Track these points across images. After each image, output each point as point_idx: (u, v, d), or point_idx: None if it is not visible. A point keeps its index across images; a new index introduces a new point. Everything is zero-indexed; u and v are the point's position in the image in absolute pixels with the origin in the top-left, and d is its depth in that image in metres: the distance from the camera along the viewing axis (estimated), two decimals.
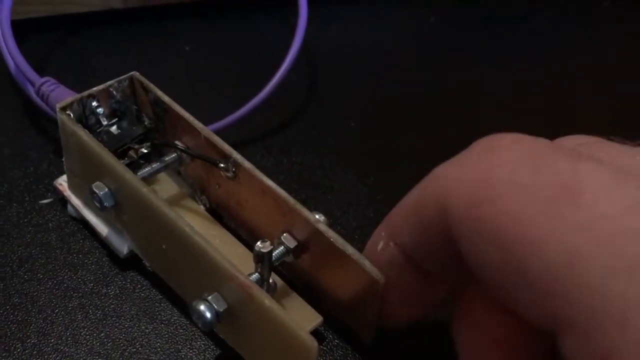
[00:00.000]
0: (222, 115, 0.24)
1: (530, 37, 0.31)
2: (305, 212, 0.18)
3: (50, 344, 0.19)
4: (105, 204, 0.19)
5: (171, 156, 0.21)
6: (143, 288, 0.20)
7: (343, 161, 0.25)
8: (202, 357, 0.19)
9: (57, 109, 0.20)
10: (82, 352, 0.18)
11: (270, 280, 0.19)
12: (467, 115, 0.27)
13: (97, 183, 0.19)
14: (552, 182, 0.12)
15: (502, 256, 0.12)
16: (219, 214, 0.22)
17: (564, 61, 0.30)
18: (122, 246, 0.20)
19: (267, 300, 0.16)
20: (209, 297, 0.17)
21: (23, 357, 0.18)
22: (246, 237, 0.21)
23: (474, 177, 0.13)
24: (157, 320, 0.19)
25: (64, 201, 0.22)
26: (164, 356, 0.19)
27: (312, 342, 0.15)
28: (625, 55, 0.31)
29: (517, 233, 0.12)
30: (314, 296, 0.19)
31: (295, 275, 0.20)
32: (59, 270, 0.20)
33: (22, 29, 0.25)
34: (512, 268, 0.12)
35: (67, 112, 0.20)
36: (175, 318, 0.19)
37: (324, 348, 0.19)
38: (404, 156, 0.25)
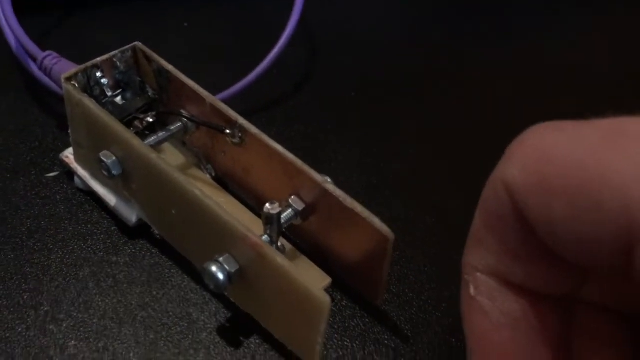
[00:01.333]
0: (223, 88, 0.24)
1: (528, 10, 0.31)
2: (312, 173, 0.18)
3: (64, 311, 0.19)
4: (114, 172, 0.19)
5: (176, 125, 0.21)
6: (153, 255, 0.20)
7: (345, 130, 0.25)
8: (214, 319, 0.19)
9: (63, 79, 0.20)
10: (96, 317, 0.19)
11: (279, 244, 0.19)
12: (465, 86, 0.27)
13: (105, 152, 0.19)
14: (596, 130, 0.13)
15: (570, 200, 0.13)
16: (224, 182, 0.22)
17: (562, 35, 0.30)
18: (131, 215, 0.20)
19: (279, 259, 0.16)
20: (221, 259, 0.17)
21: (37, 324, 0.18)
22: (253, 204, 0.21)
23: (524, 150, 0.14)
24: (168, 286, 0.20)
25: (70, 174, 0.22)
26: (176, 319, 0.19)
27: (325, 298, 0.16)
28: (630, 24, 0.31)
29: (580, 172, 0.13)
30: (322, 259, 0.20)
31: (303, 239, 0.20)
32: (68, 241, 0.21)
33: (21, 8, 0.25)
34: (583, 203, 0.12)
35: (72, 82, 0.20)
36: (185, 283, 0.20)
37: (333, 309, 0.19)
38: (404, 123, 0.25)
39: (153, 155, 0.18)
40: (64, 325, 0.18)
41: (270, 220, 0.18)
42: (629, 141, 0.12)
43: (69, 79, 0.20)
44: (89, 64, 0.20)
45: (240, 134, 0.20)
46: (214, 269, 0.17)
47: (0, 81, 0.26)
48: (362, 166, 0.24)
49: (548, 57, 0.29)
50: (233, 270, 0.17)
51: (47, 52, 0.23)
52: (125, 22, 0.29)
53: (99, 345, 0.18)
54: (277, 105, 0.26)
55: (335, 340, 0.19)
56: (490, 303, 0.15)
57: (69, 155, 0.22)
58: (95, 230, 0.21)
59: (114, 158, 0.19)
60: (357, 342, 0.19)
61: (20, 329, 0.18)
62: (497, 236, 0.15)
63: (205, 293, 0.19)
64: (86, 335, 0.18)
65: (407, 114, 0.26)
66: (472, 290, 0.15)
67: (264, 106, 0.26)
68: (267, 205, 0.18)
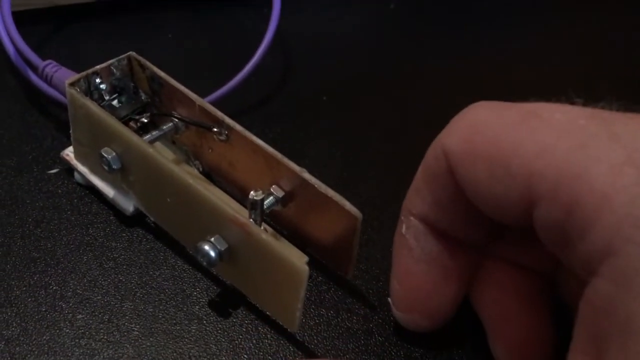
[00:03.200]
0: (204, 95, 0.27)
1: (488, 15, 0.35)
2: (291, 164, 0.21)
3: (70, 289, 0.21)
4: (114, 166, 0.22)
5: (167, 125, 0.24)
6: (148, 240, 0.23)
7: (318, 130, 0.28)
8: (205, 294, 0.21)
9: (67, 85, 0.22)
10: (99, 294, 0.21)
11: (262, 228, 0.22)
12: (425, 88, 0.30)
13: (106, 148, 0.22)
14: (517, 112, 0.16)
15: (489, 165, 0.16)
16: (211, 177, 0.24)
17: (523, 37, 0.34)
18: (128, 205, 0.23)
19: (264, 235, 0.19)
20: (212, 239, 0.20)
21: (47, 301, 0.21)
22: (238, 195, 0.24)
23: (462, 122, 0.17)
24: (163, 267, 0.22)
25: (70, 170, 0.24)
26: (171, 295, 0.21)
27: (304, 266, 0.18)
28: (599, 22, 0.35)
29: (499, 143, 0.16)
30: (299, 242, 0.22)
31: (283, 224, 0.23)
32: (71, 229, 0.23)
33: (17, 20, 0.27)
34: (499, 169, 0.16)
35: (75, 87, 0.22)
36: (179, 264, 0.22)
37: (309, 284, 0.22)
38: (371, 123, 0.28)
39: (150, 150, 0.21)
40: (72, 302, 0.21)
41: (254, 206, 0.21)
42: (538, 122, 0.15)
43: (72, 84, 0.22)
44: (90, 71, 0.23)
45: (226, 132, 0.22)
46: (206, 247, 0.20)
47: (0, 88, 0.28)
48: (333, 161, 0.26)
49: (514, 64, 0.32)
50: (223, 249, 0.20)
51: (48, 61, 0.25)
52: (112, 33, 0.31)
53: (104, 318, 0.20)
54: (255, 110, 0.29)
55: (312, 310, 0.21)
56: (415, 242, 0.19)
57: (69, 153, 0.24)
58: (95, 220, 0.23)
59: (114, 154, 0.22)
60: (331, 312, 0.21)
61: (32, 306, 0.21)
62: (432, 190, 0.18)
63: (196, 272, 0.22)
64: (92, 310, 0.21)
65: (374, 113, 0.29)
66: (403, 229, 0.19)
67: (243, 110, 0.28)
68: (252, 192, 0.21)
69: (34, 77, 0.27)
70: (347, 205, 0.20)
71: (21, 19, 0.27)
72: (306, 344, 0.20)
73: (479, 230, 0.19)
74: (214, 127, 0.22)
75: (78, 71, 0.23)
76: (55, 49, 0.30)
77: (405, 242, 0.19)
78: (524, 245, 0.19)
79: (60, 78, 0.25)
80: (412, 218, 0.19)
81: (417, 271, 0.19)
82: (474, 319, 0.20)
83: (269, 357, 0.20)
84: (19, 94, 0.28)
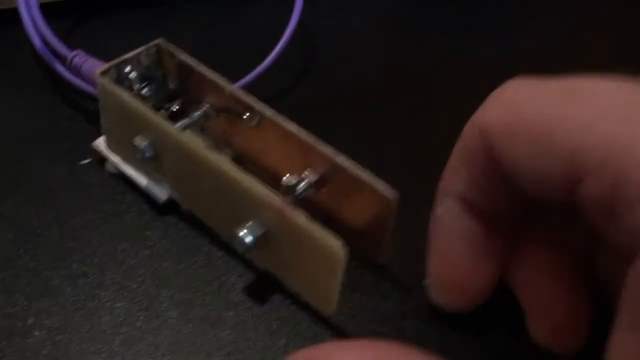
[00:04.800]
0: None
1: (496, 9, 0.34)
2: (324, 148, 0.21)
3: (108, 278, 0.21)
4: (147, 154, 0.22)
5: (197, 113, 0.24)
6: (183, 229, 0.23)
7: (345, 118, 0.28)
8: (241, 280, 0.21)
9: (98, 74, 0.22)
10: (137, 283, 0.21)
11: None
12: (454, 72, 0.30)
13: (138, 137, 0.22)
14: (559, 86, 0.16)
15: (531, 141, 0.16)
16: (241, 164, 0.24)
17: (532, 30, 0.33)
18: (161, 193, 0.23)
19: (300, 219, 0.19)
20: (247, 225, 0.20)
21: (86, 290, 0.21)
22: (269, 182, 0.24)
23: (500, 99, 0.17)
24: (199, 254, 0.22)
25: (101, 160, 0.25)
26: (207, 282, 0.21)
27: (342, 248, 0.18)
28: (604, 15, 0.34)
29: (541, 118, 0.16)
30: (331, 227, 0.22)
31: (315, 209, 0.23)
32: (105, 218, 0.23)
33: (43, 11, 0.27)
34: (541, 145, 0.16)
35: (106, 77, 0.23)
36: (214, 251, 0.22)
37: None
38: (400, 108, 0.28)
39: (184, 136, 0.21)
40: (110, 290, 0.21)
41: (288, 191, 0.21)
42: (582, 96, 0.15)
43: (103, 73, 0.22)
44: (120, 59, 0.23)
45: (257, 118, 0.22)
46: (242, 233, 0.20)
47: (27, 81, 0.28)
48: (361, 146, 0.26)
49: (521, 51, 0.32)
50: (259, 234, 0.20)
51: (76, 51, 0.26)
52: (137, 23, 0.31)
53: (143, 305, 0.21)
54: (278, 99, 0.28)
55: (347, 295, 0.21)
56: (452, 222, 0.19)
57: (100, 143, 0.24)
58: (129, 209, 0.23)
59: (147, 142, 0.22)
60: (366, 296, 0.21)
61: (71, 294, 0.21)
62: (469, 169, 0.18)
63: (231, 259, 0.22)
64: (131, 298, 0.21)
65: (402, 101, 0.29)
66: (440, 210, 0.19)
67: (267, 99, 0.28)
68: (285, 177, 0.21)
69: (60, 69, 0.27)
70: (382, 187, 0.20)
71: (47, 10, 0.27)
72: (343, 328, 0.20)
73: (518, 209, 0.19)
74: (244, 114, 0.22)
75: (106, 61, 0.24)
76: (80, 40, 0.30)
77: (442, 223, 0.19)
78: (563, 223, 0.19)
79: (89, 68, 0.25)
80: (448, 198, 0.19)
81: (454, 252, 0.19)
82: (511, 300, 0.20)
83: (307, 342, 0.20)
84: (46, 87, 0.28)
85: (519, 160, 0.16)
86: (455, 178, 0.19)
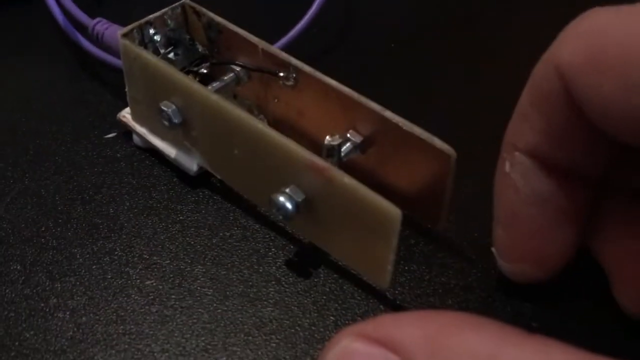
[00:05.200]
0: None
1: None
2: (370, 103, 0.19)
3: (137, 255, 0.19)
4: (175, 120, 0.20)
5: (229, 76, 0.22)
6: (215, 201, 0.21)
7: (388, 77, 0.25)
8: (282, 253, 0.19)
9: (119, 36, 0.21)
10: (168, 259, 0.19)
11: None
12: (498, 39, 0.28)
13: (165, 102, 0.20)
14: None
15: (622, 74, 0.13)
16: (278, 130, 0.22)
17: None
18: (192, 164, 0.21)
19: (347, 179, 0.17)
20: (287, 190, 0.18)
21: (113, 268, 0.19)
22: (309, 148, 0.22)
23: (579, 31, 0.15)
24: (234, 227, 0.20)
25: (127, 134, 0.23)
26: (244, 256, 0.19)
27: (396, 209, 0.16)
28: None
29: (632, 47, 0.13)
30: (381, 192, 0.20)
31: (361, 174, 0.20)
32: (133, 193, 0.21)
33: None
34: (634, 77, 0.13)
35: (128, 39, 0.21)
36: (249, 224, 0.20)
37: None
38: (444, 68, 0.26)
39: (214, 97, 0.19)
40: (139, 267, 0.19)
41: (331, 152, 0.19)
42: None
43: (125, 35, 0.21)
44: (143, 20, 0.21)
45: (294, 75, 0.20)
46: (281, 199, 0.18)
47: (51, 55, 0.27)
48: (410, 106, 0.24)
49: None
50: (300, 200, 0.18)
51: (98, 19, 0.24)
52: None
53: (175, 282, 0.19)
54: (318, 60, 0.26)
55: (402, 266, 0.19)
56: (522, 180, 0.16)
57: (126, 114, 0.23)
58: (157, 183, 0.22)
59: (174, 106, 0.20)
60: (423, 267, 0.19)
61: (97, 273, 0.19)
62: (543, 114, 0.16)
63: (270, 231, 0.20)
64: (161, 275, 0.19)
65: (446, 60, 0.26)
66: (507, 167, 0.17)
67: (306, 61, 0.26)
68: (328, 137, 0.19)
69: (84, 41, 0.25)
70: (439, 143, 0.18)
71: None
72: (398, 302, 0.18)
73: (600, 161, 0.16)
74: (280, 72, 0.20)
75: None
76: (103, 10, 0.28)
77: (510, 182, 0.17)
78: None
79: (111, 35, 0.23)
80: (517, 153, 0.17)
81: (526, 215, 0.17)
82: (592, 267, 0.18)
83: (358, 318, 0.18)
84: (70, 60, 0.26)
85: (607, 98, 0.14)
86: (525, 127, 0.16)
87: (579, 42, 0.14)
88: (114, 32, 0.23)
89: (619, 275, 0.17)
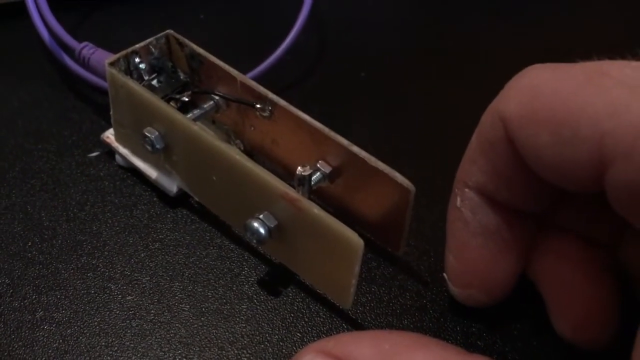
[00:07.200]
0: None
1: None
2: (339, 138, 0.20)
3: (118, 271, 0.21)
4: (157, 146, 0.21)
5: (208, 104, 0.23)
6: (193, 221, 0.22)
7: (357, 108, 0.27)
8: (254, 273, 0.21)
9: (107, 64, 0.22)
10: (148, 275, 0.21)
11: None
12: (464, 63, 0.30)
13: (148, 128, 0.22)
14: (582, 71, 0.15)
15: (554, 129, 0.15)
16: (253, 156, 0.24)
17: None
18: (172, 186, 0.23)
19: (316, 209, 0.18)
20: (261, 216, 0.20)
21: (96, 283, 0.21)
22: (281, 174, 0.23)
23: (520, 86, 0.16)
24: (210, 247, 0.22)
25: (110, 153, 0.24)
26: (220, 275, 0.21)
27: (359, 239, 0.18)
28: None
29: (565, 105, 0.15)
30: (346, 218, 0.22)
31: (329, 201, 0.22)
32: (115, 211, 0.23)
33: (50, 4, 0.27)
34: (565, 132, 0.15)
35: (115, 67, 0.22)
36: (226, 244, 0.22)
37: None
38: (412, 99, 0.28)
39: (195, 127, 0.20)
40: (120, 283, 0.21)
41: (302, 182, 0.20)
42: (607, 81, 0.15)
43: (112, 64, 0.22)
44: (129, 50, 0.23)
45: (269, 108, 0.22)
46: (255, 224, 0.19)
47: (35, 73, 0.28)
48: (375, 137, 0.26)
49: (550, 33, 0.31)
50: (272, 225, 0.19)
51: (84, 43, 0.25)
52: (145, 16, 0.31)
53: (154, 298, 0.20)
54: (292, 89, 0.28)
55: (364, 287, 0.21)
56: (471, 214, 0.18)
57: (109, 135, 0.24)
58: (138, 202, 0.23)
59: (157, 133, 0.21)
60: (383, 289, 0.21)
61: (81, 288, 0.20)
62: (489, 159, 0.18)
63: (244, 251, 0.22)
64: (141, 291, 0.20)
65: (414, 90, 0.28)
66: (458, 202, 0.19)
67: (279, 90, 0.28)
68: (299, 168, 0.20)
69: (69, 62, 0.26)
70: (399, 177, 0.19)
71: (55, 2, 0.27)
72: (359, 321, 0.20)
73: (540, 200, 0.18)
74: (256, 104, 0.22)
75: (114, 53, 0.23)
76: (88, 33, 0.29)
77: (460, 216, 0.19)
78: (587, 214, 0.18)
79: (97, 60, 0.25)
80: (467, 190, 0.19)
81: (474, 245, 0.19)
82: (532, 293, 0.20)
83: (323, 335, 0.20)
84: (55, 79, 0.28)
85: (542, 148, 0.16)
86: (474, 168, 0.18)
87: (519, 96, 0.16)
88: (100, 57, 0.25)
89: (555, 303, 0.19)
